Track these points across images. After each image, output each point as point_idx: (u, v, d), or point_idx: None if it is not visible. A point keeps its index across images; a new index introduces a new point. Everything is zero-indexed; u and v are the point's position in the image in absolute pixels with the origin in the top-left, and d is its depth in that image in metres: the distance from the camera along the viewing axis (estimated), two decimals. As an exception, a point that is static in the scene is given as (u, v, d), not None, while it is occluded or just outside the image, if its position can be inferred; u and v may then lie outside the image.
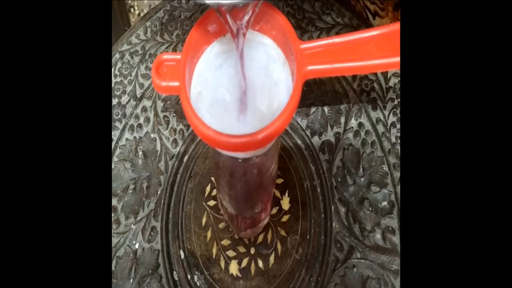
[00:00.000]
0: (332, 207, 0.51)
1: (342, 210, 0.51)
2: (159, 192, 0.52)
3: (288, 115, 0.26)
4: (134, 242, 0.50)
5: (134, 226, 0.50)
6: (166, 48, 0.62)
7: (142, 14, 1.03)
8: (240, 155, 0.30)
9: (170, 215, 0.51)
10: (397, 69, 0.28)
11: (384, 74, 0.58)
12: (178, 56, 0.28)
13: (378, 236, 0.49)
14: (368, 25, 0.62)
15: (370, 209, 0.50)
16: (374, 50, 0.28)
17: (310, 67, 0.28)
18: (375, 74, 0.58)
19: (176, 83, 0.27)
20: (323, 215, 0.51)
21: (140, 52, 0.61)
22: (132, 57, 0.61)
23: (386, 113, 0.55)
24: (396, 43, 0.27)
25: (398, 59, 0.27)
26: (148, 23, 0.64)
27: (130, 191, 0.52)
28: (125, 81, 0.59)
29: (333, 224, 0.50)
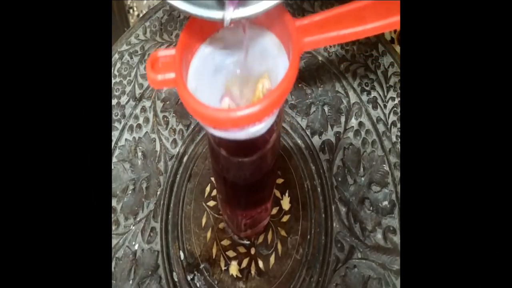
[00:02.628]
0: (333, 207, 0.51)
1: (343, 210, 0.50)
2: (158, 193, 0.52)
3: (288, 83, 0.25)
4: (133, 243, 0.49)
5: (133, 227, 0.50)
6: (166, 48, 0.62)
7: (141, 15, 1.02)
8: (241, 134, 0.29)
9: (169, 216, 0.51)
10: (396, 28, 0.27)
11: (385, 73, 0.58)
12: (174, 51, 0.28)
13: (379, 236, 0.49)
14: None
15: (371, 208, 0.50)
16: (369, 15, 0.27)
17: (307, 39, 0.27)
18: (375, 73, 0.58)
19: (172, 74, 0.27)
20: (323, 215, 0.50)
21: (139, 52, 0.61)
22: (131, 57, 0.61)
23: (387, 112, 0.55)
24: (390, 5, 0.27)
25: (395, 19, 0.27)
26: (147, 23, 0.64)
27: (130, 192, 0.52)
28: (124, 82, 0.59)
29: (334, 224, 0.50)
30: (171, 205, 0.52)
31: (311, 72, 0.59)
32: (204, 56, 0.30)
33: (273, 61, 0.30)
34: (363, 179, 0.52)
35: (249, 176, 0.36)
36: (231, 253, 0.49)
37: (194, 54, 0.30)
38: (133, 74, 0.59)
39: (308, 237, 0.49)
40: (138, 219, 0.51)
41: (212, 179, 0.53)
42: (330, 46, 0.60)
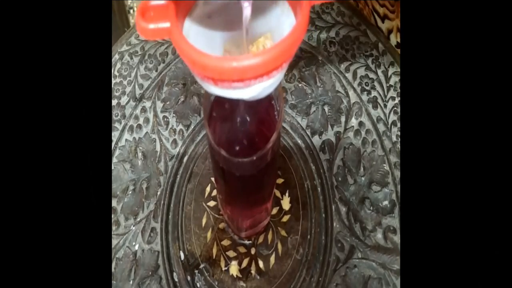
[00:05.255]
0: (333, 207, 0.51)
1: (343, 209, 0.50)
2: (158, 193, 0.52)
3: (300, 31, 0.23)
4: (133, 243, 0.49)
5: (133, 227, 0.50)
6: (166, 48, 0.62)
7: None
8: (246, 92, 0.26)
9: (170, 216, 0.51)
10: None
11: (385, 73, 0.58)
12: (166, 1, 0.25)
13: (379, 235, 0.49)
14: (368, 24, 0.62)
15: (371, 208, 0.50)
16: None
17: None
18: (376, 72, 0.57)
19: (166, 24, 0.24)
20: (323, 215, 0.50)
21: (139, 53, 0.61)
22: (131, 58, 0.61)
23: (387, 111, 0.55)
24: None
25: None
26: (147, 24, 0.63)
27: (130, 192, 0.52)
28: (125, 82, 0.59)
29: (334, 224, 0.50)
30: (171, 206, 0.52)
31: (311, 72, 0.59)
32: (200, 14, 0.28)
33: (276, 21, 0.28)
34: (363, 178, 0.52)
35: (249, 176, 0.36)
36: (231, 253, 0.49)
37: (188, 11, 0.27)
38: (133, 74, 0.59)
39: (308, 237, 0.49)
40: (138, 219, 0.51)
41: (212, 179, 0.53)
42: (330, 46, 0.60)
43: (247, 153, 0.32)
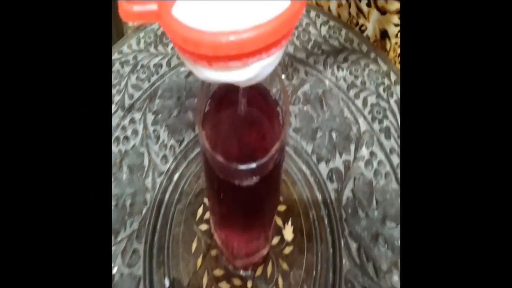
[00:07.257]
0: (342, 241, 0.45)
1: (353, 245, 0.45)
2: (144, 211, 0.46)
3: (300, 3, 0.22)
4: (112, 265, 0.43)
5: (113, 248, 0.44)
6: (160, 60, 0.57)
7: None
8: (243, 74, 0.25)
9: (155, 238, 0.45)
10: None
11: (397, 102, 0.54)
12: None
13: (395, 278, 0.43)
14: (379, 52, 0.58)
15: (386, 246, 0.45)
16: None
17: None
18: (388, 101, 0.54)
19: (153, 6, 0.22)
20: (331, 250, 0.45)
21: (131, 62, 0.57)
22: (122, 67, 0.56)
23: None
24: None
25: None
26: (141, 34, 0.60)
27: (112, 208, 0.46)
28: (113, 91, 0.54)
29: (343, 261, 0.44)
30: (158, 226, 0.46)
31: (317, 96, 0.55)
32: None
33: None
34: (376, 213, 0.47)
35: (247, 190, 0.32)
36: (224, 285, 0.43)
37: None
38: (123, 83, 0.55)
39: (314, 273, 0.44)
40: (119, 239, 0.45)
41: (205, 200, 0.47)
42: (338, 70, 0.56)
43: (246, 159, 0.27)
